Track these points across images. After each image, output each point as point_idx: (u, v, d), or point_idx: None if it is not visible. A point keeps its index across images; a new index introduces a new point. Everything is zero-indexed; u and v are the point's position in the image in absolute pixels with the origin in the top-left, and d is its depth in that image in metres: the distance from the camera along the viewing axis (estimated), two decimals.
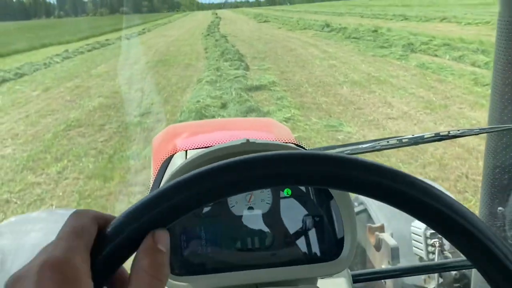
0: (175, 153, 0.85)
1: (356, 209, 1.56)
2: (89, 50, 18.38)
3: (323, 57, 11.52)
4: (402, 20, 26.00)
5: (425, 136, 1.03)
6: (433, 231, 1.01)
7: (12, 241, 1.36)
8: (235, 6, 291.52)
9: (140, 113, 6.56)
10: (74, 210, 0.37)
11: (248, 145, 0.56)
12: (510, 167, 1.05)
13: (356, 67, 9.63)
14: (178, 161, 0.80)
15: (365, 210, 1.59)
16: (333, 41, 15.48)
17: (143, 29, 35.93)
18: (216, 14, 69.33)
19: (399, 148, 2.76)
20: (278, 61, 11.48)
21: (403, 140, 1.03)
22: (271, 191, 0.58)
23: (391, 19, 27.29)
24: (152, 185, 0.81)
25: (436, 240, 1.19)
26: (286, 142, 0.69)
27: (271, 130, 1.20)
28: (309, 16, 38.72)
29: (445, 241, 1.11)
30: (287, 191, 0.59)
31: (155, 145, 1.14)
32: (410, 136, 1.04)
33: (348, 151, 1.01)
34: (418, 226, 1.28)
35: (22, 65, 13.12)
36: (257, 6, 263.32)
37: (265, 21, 36.51)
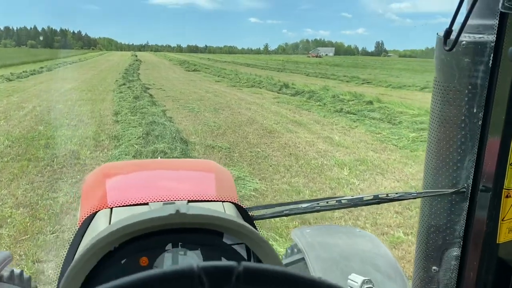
0: (100, 209, 0.86)
1: (294, 257, 1.51)
2: None
3: (347, 161, 6.03)
4: (362, 83, 21.98)
5: (364, 198, 1.05)
6: (370, 285, 0.92)
7: None
8: (156, 49, 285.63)
9: None
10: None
11: (177, 217, 0.54)
12: (444, 228, 1.10)
13: None
14: (101, 221, 0.83)
15: (302, 259, 1.44)
16: (318, 115, 10.22)
17: (41, 67, 28.34)
18: (136, 56, 62.80)
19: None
20: (263, 163, 5.75)
21: (342, 201, 1.05)
22: None
23: (347, 81, 23.26)
24: (73, 240, 0.82)
25: None
26: (224, 200, 0.88)
27: (211, 174, 1.24)
28: (243, 69, 34.10)
29: None
30: None
31: (85, 188, 1.16)
32: (350, 197, 1.05)
33: (287, 211, 1.04)
34: (355, 280, 1.09)
35: None
36: (179, 51, 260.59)
37: (194, 70, 31.25)
